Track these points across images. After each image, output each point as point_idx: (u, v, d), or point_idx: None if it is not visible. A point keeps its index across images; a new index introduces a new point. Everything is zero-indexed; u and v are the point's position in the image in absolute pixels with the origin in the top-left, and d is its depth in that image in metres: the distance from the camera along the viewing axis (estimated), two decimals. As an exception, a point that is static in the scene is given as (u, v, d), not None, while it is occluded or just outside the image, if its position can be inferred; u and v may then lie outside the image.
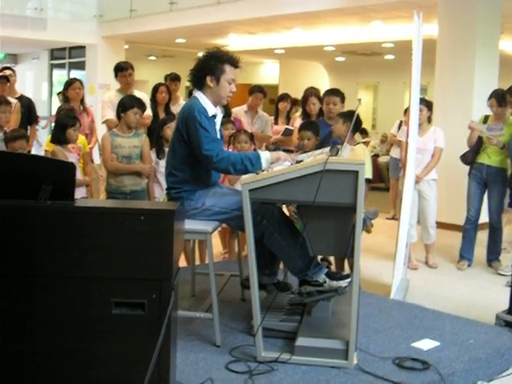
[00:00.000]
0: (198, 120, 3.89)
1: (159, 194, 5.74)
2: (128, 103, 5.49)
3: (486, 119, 6.74)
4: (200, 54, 4.16)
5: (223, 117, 4.38)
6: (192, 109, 3.96)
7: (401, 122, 10.11)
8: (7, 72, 8.13)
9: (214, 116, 4.09)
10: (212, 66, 4.02)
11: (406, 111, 9.95)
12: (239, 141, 5.83)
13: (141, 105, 5.54)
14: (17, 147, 5.44)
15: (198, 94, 4.07)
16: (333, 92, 6.06)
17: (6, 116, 6.00)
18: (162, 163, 5.61)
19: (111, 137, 5.46)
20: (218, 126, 4.18)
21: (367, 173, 5.10)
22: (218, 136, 4.17)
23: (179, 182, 4.07)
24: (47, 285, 2.76)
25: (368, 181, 5.30)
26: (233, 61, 4.07)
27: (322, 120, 6.08)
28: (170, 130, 5.67)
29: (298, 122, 7.04)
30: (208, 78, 4.02)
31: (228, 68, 4.03)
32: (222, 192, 4.14)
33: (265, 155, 3.92)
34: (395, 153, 9.83)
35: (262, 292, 4.08)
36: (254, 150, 6.43)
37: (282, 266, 4.44)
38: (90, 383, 2.80)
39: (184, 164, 4.03)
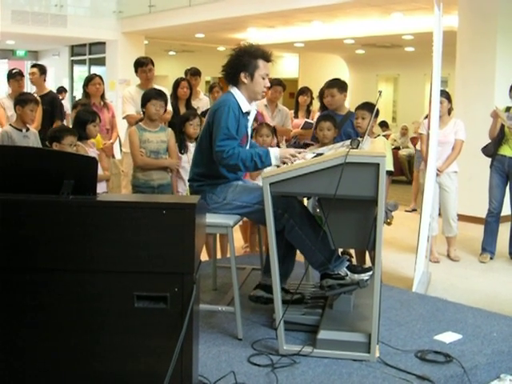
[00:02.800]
0: (225, 114, 3.89)
1: (182, 188, 5.76)
2: (146, 96, 5.50)
3: (507, 110, 6.69)
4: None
5: None
6: (224, 103, 3.96)
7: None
8: (33, 69, 8.22)
9: (248, 113, 4.09)
10: (246, 61, 4.01)
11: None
12: (261, 134, 5.83)
13: (158, 95, 5.50)
14: (66, 144, 5.07)
15: (233, 89, 4.07)
16: (329, 84, 6.11)
17: (32, 114, 6.07)
18: (185, 158, 5.64)
19: (139, 131, 5.46)
20: (250, 123, 4.19)
21: (388, 165, 5.10)
22: (249, 132, 4.18)
23: (203, 174, 4.09)
24: (69, 279, 2.78)
25: (390, 173, 5.29)
26: (266, 55, 4.07)
27: (331, 112, 6.09)
28: (192, 128, 5.70)
29: (317, 116, 7.05)
30: (242, 75, 4.01)
31: (261, 63, 4.03)
32: (243, 186, 4.13)
33: (274, 152, 3.90)
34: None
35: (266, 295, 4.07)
36: (277, 144, 6.43)
37: (302, 259, 4.42)
38: (112, 377, 2.82)
39: (210, 159, 4.02)
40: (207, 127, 4.05)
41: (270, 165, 3.89)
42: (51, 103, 7.96)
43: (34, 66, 8.47)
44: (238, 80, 4.03)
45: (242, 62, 4.02)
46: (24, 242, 2.75)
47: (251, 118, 4.19)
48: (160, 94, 5.57)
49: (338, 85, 6.08)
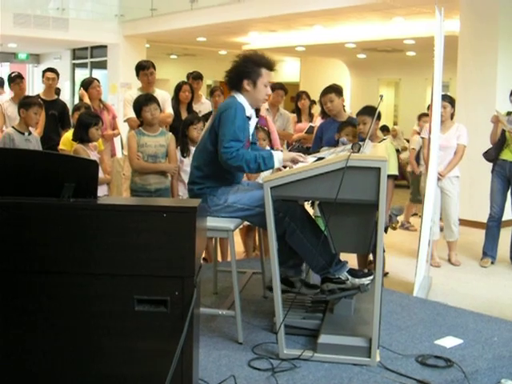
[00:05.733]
0: (233, 116, 3.91)
1: (183, 192, 5.74)
2: (136, 106, 5.49)
3: (508, 115, 6.68)
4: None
5: None
6: (231, 105, 3.99)
7: (419, 116, 9.99)
8: (49, 75, 8.04)
9: (249, 118, 4.11)
10: (249, 69, 4.06)
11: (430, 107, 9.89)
12: (257, 138, 5.82)
13: (148, 100, 5.47)
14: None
15: (236, 94, 4.10)
16: (326, 91, 6.03)
17: (36, 117, 6.10)
18: (187, 162, 5.62)
19: (137, 135, 5.45)
20: (251, 129, 4.22)
21: (392, 169, 5.08)
22: (250, 138, 4.21)
23: (204, 177, 4.07)
24: (70, 282, 2.77)
25: (394, 177, 5.27)
26: (269, 64, 4.14)
27: (330, 119, 6.03)
28: (196, 132, 5.69)
29: (318, 120, 7.04)
30: (245, 82, 4.05)
31: (264, 72, 4.09)
32: (244, 188, 4.13)
33: (277, 155, 3.94)
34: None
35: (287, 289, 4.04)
36: (271, 147, 6.42)
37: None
38: (113, 380, 2.81)
39: (212, 161, 4.03)
40: (211, 129, 4.06)
41: (272, 167, 3.94)
42: (62, 111, 7.94)
43: (51, 70, 8.17)
44: (241, 87, 4.07)
45: (246, 70, 4.07)
46: (24, 244, 2.74)
47: (252, 123, 4.22)
48: (148, 98, 5.54)
49: (335, 89, 6.01)
